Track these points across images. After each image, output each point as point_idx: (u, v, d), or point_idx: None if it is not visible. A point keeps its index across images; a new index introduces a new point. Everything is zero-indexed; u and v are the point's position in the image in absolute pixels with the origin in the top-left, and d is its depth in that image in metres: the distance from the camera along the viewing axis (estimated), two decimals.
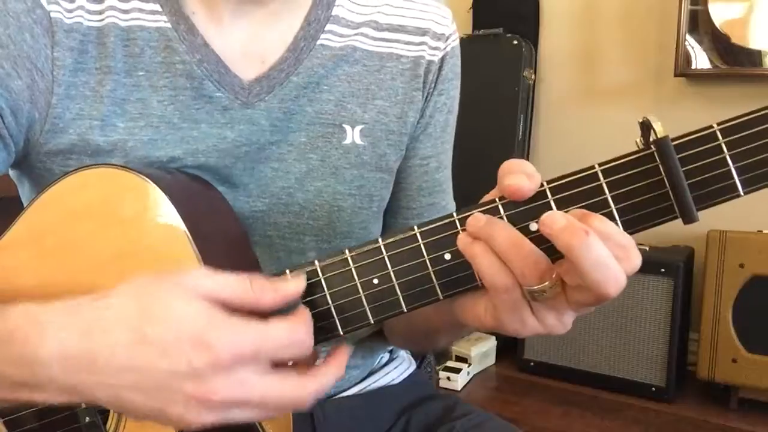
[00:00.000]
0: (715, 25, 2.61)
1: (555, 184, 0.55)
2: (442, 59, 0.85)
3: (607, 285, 0.51)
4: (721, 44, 2.63)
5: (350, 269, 0.60)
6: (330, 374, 0.60)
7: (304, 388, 0.57)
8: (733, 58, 2.63)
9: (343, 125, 0.80)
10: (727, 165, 0.51)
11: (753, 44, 2.58)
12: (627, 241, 0.52)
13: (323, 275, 0.60)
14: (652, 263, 2.51)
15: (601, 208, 0.54)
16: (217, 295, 0.56)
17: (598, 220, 0.52)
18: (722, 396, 2.53)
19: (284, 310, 0.58)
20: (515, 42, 2.94)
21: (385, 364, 0.97)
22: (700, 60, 2.67)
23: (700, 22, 2.64)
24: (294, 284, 0.59)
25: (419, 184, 0.88)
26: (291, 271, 0.61)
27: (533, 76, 2.99)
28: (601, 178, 0.54)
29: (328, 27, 0.81)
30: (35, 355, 0.55)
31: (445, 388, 2.63)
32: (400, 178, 0.88)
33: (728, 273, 2.42)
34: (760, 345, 2.39)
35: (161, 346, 0.53)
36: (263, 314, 0.57)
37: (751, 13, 2.57)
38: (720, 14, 2.60)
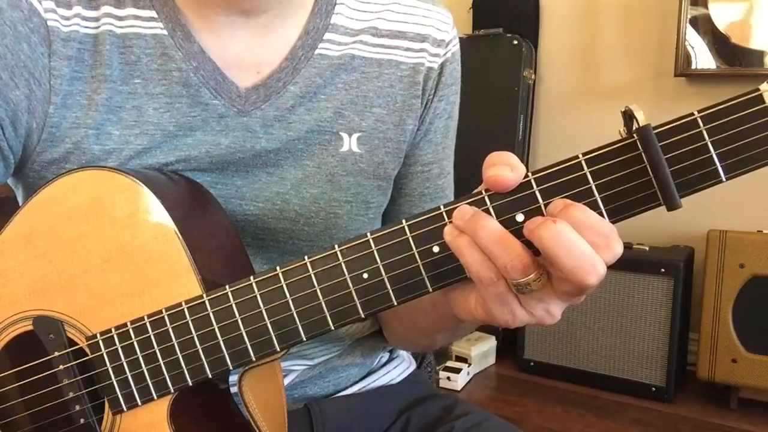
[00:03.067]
0: (716, 26, 2.61)
1: (540, 174, 0.55)
2: (442, 65, 0.84)
3: (584, 272, 0.51)
4: (721, 44, 2.63)
5: (340, 264, 0.60)
6: None
7: None
8: (733, 59, 2.63)
9: (340, 133, 0.80)
10: (709, 151, 0.51)
11: (753, 44, 2.58)
12: (608, 229, 0.52)
13: (313, 270, 0.60)
14: (652, 263, 2.52)
15: (585, 197, 0.54)
16: None
17: (579, 209, 0.52)
18: (722, 396, 2.52)
19: None
20: (515, 42, 2.95)
21: (385, 364, 0.97)
22: (700, 60, 2.67)
23: (700, 23, 2.64)
24: None
25: (421, 191, 0.88)
26: (281, 267, 0.61)
27: (533, 76, 2.99)
28: (585, 167, 0.54)
29: (327, 36, 0.80)
30: None
31: (445, 388, 2.63)
32: (402, 185, 0.87)
33: (728, 273, 2.42)
34: (760, 345, 2.39)
35: None
36: None
37: (751, 14, 2.57)
38: (720, 14, 2.60)
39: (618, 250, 0.53)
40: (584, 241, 0.51)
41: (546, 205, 0.55)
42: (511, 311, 0.57)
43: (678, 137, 0.52)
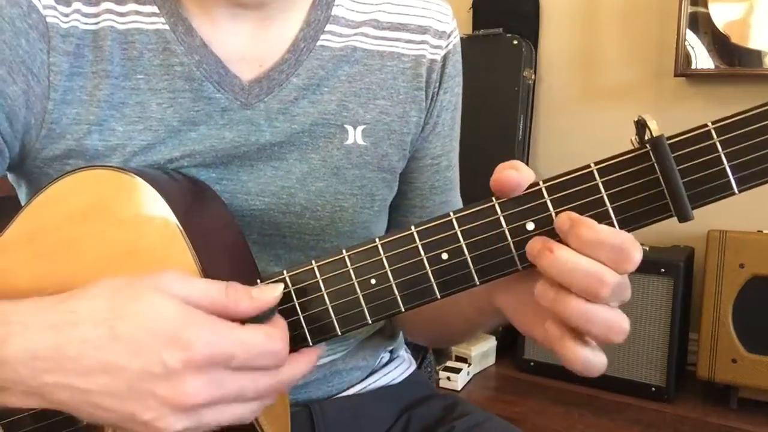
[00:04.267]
0: (715, 25, 2.61)
1: (551, 183, 0.55)
2: (445, 57, 0.85)
3: (595, 289, 0.52)
4: (721, 44, 2.63)
5: (348, 269, 0.60)
6: (302, 364, 0.60)
7: (279, 375, 0.57)
8: (733, 58, 2.63)
9: (345, 125, 0.80)
10: (722, 163, 0.51)
11: (753, 44, 2.58)
12: (620, 240, 0.52)
13: (321, 276, 0.60)
14: (652, 263, 2.52)
15: (597, 207, 0.54)
16: (192, 298, 0.55)
17: (586, 228, 0.53)
18: (722, 396, 2.53)
19: (260, 318, 0.57)
20: (515, 42, 2.95)
21: (386, 364, 0.97)
22: (700, 60, 2.67)
23: (700, 22, 2.64)
24: (270, 292, 0.58)
25: (432, 183, 0.88)
26: (288, 271, 0.61)
27: (533, 76, 3.00)
28: (597, 177, 0.54)
29: (328, 27, 0.80)
30: (1, 355, 0.54)
31: (445, 388, 2.63)
32: (412, 178, 0.88)
33: (728, 273, 2.42)
34: (760, 345, 2.39)
35: (133, 343, 0.52)
36: (237, 322, 0.56)
37: (751, 14, 2.57)
38: (720, 14, 2.60)
39: (636, 257, 0.52)
40: (586, 259, 0.52)
41: (557, 214, 0.55)
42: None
43: (691, 148, 0.52)
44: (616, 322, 0.53)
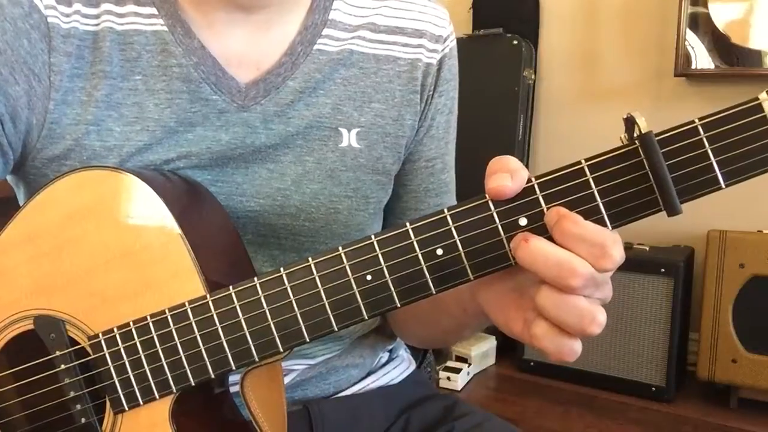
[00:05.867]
0: (715, 25, 2.61)
1: (543, 179, 0.55)
2: (441, 61, 0.85)
3: (566, 278, 0.53)
4: (721, 44, 2.63)
5: (344, 266, 0.60)
6: None
7: None
8: (733, 58, 2.63)
9: (339, 128, 0.80)
10: (709, 159, 0.52)
11: (753, 44, 2.58)
12: (601, 238, 0.53)
13: (317, 272, 0.61)
14: (652, 263, 2.52)
15: (588, 202, 0.55)
16: None
17: (570, 222, 0.53)
18: (722, 396, 2.53)
19: None
20: (515, 42, 2.95)
21: (385, 364, 0.97)
22: (700, 60, 2.67)
23: (700, 22, 2.64)
24: None
25: (426, 186, 0.89)
26: (285, 269, 0.62)
27: (533, 76, 3.00)
28: (588, 173, 0.54)
29: (325, 31, 0.81)
30: None
31: (445, 388, 2.63)
32: (406, 181, 0.88)
33: (728, 273, 2.42)
34: (760, 345, 2.39)
35: None
36: None
37: (751, 14, 2.57)
38: (720, 14, 2.60)
39: (617, 257, 0.53)
40: (560, 250, 0.53)
41: (549, 209, 0.55)
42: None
43: (678, 144, 0.52)
44: (589, 312, 0.53)
